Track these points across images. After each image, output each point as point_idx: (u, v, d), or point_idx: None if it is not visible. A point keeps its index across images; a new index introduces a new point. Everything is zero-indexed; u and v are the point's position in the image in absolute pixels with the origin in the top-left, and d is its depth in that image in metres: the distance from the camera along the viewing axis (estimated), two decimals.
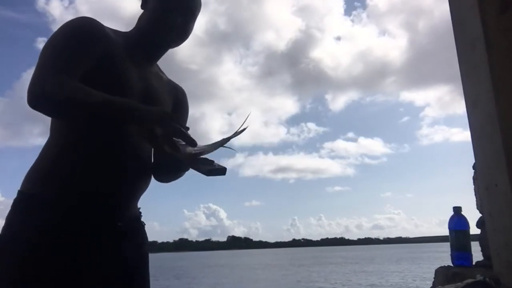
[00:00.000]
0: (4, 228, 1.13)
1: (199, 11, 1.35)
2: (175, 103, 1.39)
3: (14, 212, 1.15)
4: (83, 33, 1.16)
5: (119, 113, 1.07)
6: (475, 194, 1.90)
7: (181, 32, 1.31)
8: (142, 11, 1.34)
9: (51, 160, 1.18)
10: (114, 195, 1.19)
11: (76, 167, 1.16)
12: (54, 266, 1.09)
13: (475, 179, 1.86)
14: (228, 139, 1.08)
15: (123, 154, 1.19)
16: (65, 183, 1.15)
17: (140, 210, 1.33)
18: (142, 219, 1.33)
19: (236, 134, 1.08)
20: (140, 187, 1.27)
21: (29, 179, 1.19)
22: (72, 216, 1.14)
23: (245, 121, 1.08)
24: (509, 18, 1.47)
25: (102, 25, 1.22)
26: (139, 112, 1.05)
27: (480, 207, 1.85)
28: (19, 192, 1.18)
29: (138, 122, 1.06)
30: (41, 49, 1.15)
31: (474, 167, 1.80)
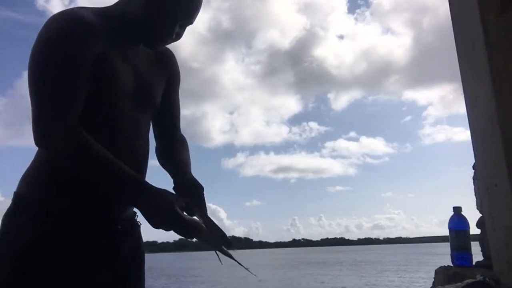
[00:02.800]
0: (0, 231, 1.10)
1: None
2: (168, 76, 1.33)
3: (10, 215, 1.12)
4: (76, 43, 1.05)
5: (117, 188, 1.08)
6: (475, 194, 1.91)
7: (175, 40, 1.22)
8: None
9: (47, 162, 1.13)
10: (111, 198, 1.16)
11: (67, 169, 1.09)
12: (53, 271, 1.07)
13: (475, 179, 1.87)
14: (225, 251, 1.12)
15: (120, 157, 1.10)
16: (62, 187, 1.11)
17: (135, 210, 1.28)
18: (139, 219, 1.30)
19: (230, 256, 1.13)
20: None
21: (26, 181, 1.15)
22: (70, 220, 1.11)
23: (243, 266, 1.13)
24: (509, 18, 1.47)
25: (87, 19, 1.08)
26: (141, 194, 1.05)
27: (480, 207, 1.85)
28: (16, 194, 1.14)
29: (135, 202, 1.09)
30: (32, 62, 1.05)
31: (474, 167, 1.80)
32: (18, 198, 1.13)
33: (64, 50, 1.04)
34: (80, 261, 1.10)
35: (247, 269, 1.13)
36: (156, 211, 1.03)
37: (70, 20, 1.07)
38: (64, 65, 1.03)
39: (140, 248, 1.29)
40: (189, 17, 1.18)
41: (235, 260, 1.13)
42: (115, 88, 1.12)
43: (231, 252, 1.13)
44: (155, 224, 1.04)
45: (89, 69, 1.06)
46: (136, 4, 1.16)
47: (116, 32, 1.15)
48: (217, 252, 1.12)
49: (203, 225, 1.12)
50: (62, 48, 1.04)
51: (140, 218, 1.22)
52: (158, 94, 1.28)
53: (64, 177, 1.10)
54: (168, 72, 1.33)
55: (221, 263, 1.12)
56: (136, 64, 1.20)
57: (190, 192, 1.20)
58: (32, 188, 1.13)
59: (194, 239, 1.12)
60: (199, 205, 1.18)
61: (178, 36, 1.21)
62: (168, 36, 1.18)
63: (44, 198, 1.11)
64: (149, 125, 1.29)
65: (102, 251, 1.15)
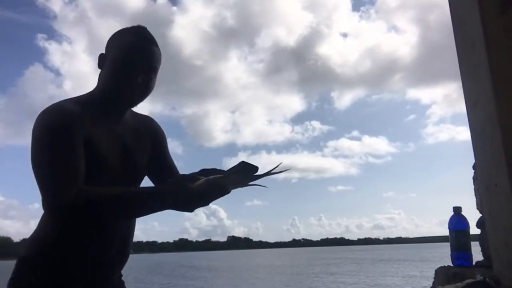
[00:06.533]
0: None
1: (160, 63, 1.37)
2: (153, 141, 1.50)
3: (15, 278, 1.28)
4: (65, 129, 1.21)
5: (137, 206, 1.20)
6: (475, 194, 1.90)
7: (143, 91, 1.35)
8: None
9: (45, 229, 1.30)
10: (105, 262, 1.35)
11: (69, 235, 1.27)
12: None
13: (475, 179, 1.87)
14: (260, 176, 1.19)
15: (112, 228, 1.34)
16: (59, 249, 1.27)
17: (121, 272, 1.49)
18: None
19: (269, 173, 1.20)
20: (127, 254, 1.44)
21: (31, 244, 1.32)
22: (64, 277, 1.27)
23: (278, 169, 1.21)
24: (509, 18, 1.47)
25: (69, 109, 1.26)
26: (158, 197, 1.17)
27: (480, 207, 1.85)
28: (20, 258, 1.31)
29: (158, 209, 1.19)
30: (33, 154, 1.22)
31: (474, 167, 1.80)
32: (22, 260, 1.30)
33: (55, 134, 1.20)
34: None
35: (284, 170, 1.21)
36: (178, 201, 1.16)
37: (55, 111, 1.25)
38: (63, 147, 1.20)
39: None
40: (147, 63, 1.32)
41: (273, 173, 1.20)
42: (102, 162, 1.29)
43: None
44: (188, 210, 1.17)
45: (81, 147, 1.23)
46: (103, 75, 1.34)
47: (99, 112, 1.32)
48: (254, 184, 1.18)
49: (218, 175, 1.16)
50: (53, 133, 1.21)
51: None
52: (143, 162, 1.44)
53: (60, 241, 1.27)
54: (152, 137, 1.50)
55: (267, 186, 1.21)
56: (122, 137, 1.37)
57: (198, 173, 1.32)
58: (30, 250, 1.31)
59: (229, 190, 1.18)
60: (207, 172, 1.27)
61: (146, 84, 1.34)
62: (133, 87, 1.31)
63: (39, 257, 1.28)
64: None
65: None
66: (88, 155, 1.24)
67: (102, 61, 1.35)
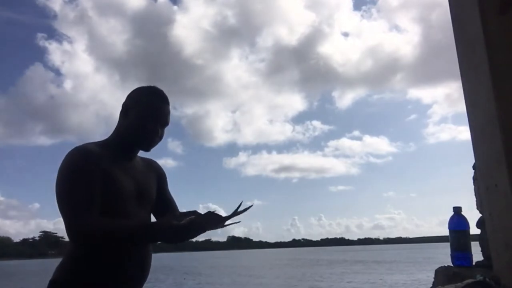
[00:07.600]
0: None
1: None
2: (158, 179, 1.81)
3: None
4: (85, 166, 1.51)
5: (137, 238, 1.49)
6: (475, 194, 1.91)
7: (159, 140, 1.70)
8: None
9: (70, 256, 1.57)
10: (125, 279, 1.56)
11: (88, 259, 1.53)
12: None
13: (475, 179, 1.87)
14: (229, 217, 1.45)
15: (130, 264, 1.58)
16: (82, 270, 1.53)
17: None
18: None
19: (235, 214, 1.45)
20: (147, 270, 1.68)
21: (58, 269, 1.58)
22: None
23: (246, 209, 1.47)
24: (509, 18, 1.47)
25: (91, 150, 1.56)
26: (150, 232, 1.45)
27: (480, 207, 1.85)
28: (49, 281, 1.56)
29: (151, 240, 1.52)
30: (57, 187, 1.50)
31: (474, 167, 1.80)
32: (52, 282, 1.56)
33: (78, 174, 1.50)
34: None
35: (250, 206, 1.47)
36: (168, 236, 1.42)
37: (79, 153, 1.55)
38: (81, 183, 1.49)
39: None
40: (166, 120, 1.69)
41: (243, 211, 1.45)
42: (119, 193, 1.57)
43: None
44: (173, 242, 1.44)
45: (100, 182, 1.51)
46: (126, 124, 1.66)
47: (116, 153, 1.64)
48: (227, 223, 1.44)
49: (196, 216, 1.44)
50: (76, 173, 1.50)
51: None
52: (152, 193, 1.75)
53: (84, 263, 1.54)
54: (156, 176, 1.82)
55: (240, 221, 1.49)
56: (133, 174, 1.67)
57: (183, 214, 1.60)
58: (60, 273, 1.56)
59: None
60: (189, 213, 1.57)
61: (162, 136, 1.69)
62: (156, 137, 1.67)
63: (69, 279, 1.54)
64: (150, 217, 1.74)
65: None
66: (106, 187, 1.52)
67: (125, 110, 1.68)
